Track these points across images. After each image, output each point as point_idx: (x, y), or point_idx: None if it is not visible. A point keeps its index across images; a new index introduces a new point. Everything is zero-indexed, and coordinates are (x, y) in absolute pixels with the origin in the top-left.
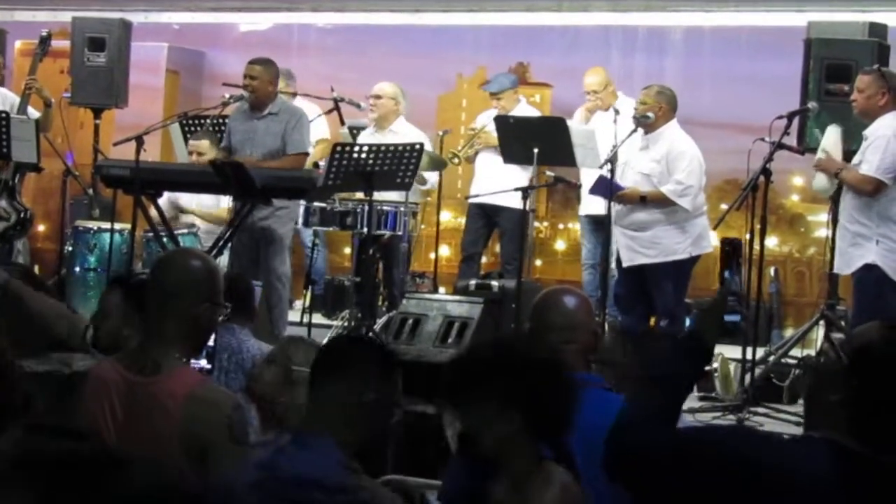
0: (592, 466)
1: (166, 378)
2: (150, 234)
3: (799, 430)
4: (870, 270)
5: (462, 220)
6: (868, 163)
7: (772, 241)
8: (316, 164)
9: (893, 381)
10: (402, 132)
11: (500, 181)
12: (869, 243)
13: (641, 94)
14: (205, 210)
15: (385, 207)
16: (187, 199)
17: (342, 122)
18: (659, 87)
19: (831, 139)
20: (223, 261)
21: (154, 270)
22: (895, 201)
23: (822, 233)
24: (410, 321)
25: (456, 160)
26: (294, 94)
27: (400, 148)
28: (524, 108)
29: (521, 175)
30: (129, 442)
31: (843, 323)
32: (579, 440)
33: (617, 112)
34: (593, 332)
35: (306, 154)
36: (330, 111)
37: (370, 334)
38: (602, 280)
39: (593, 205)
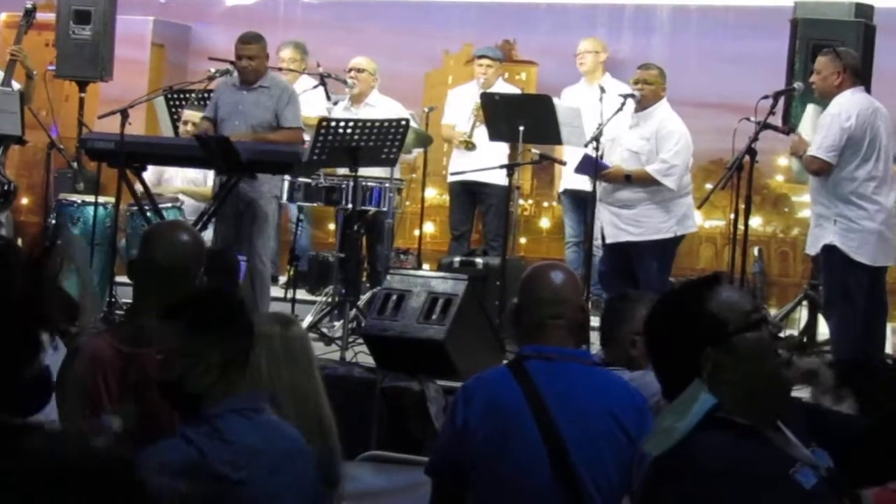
0: (584, 441)
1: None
2: (135, 208)
3: None
4: (830, 252)
5: (447, 197)
6: (813, 142)
7: (756, 222)
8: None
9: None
10: (379, 104)
11: (480, 157)
12: (828, 223)
13: (642, 74)
14: (190, 186)
15: (370, 183)
16: (172, 174)
17: (328, 98)
18: (657, 67)
19: (808, 118)
20: (208, 235)
21: (144, 245)
22: (847, 180)
23: (807, 213)
24: (394, 297)
25: (472, 146)
26: (303, 72)
27: (385, 124)
28: (503, 84)
29: (501, 150)
30: (125, 414)
31: None
32: (569, 416)
33: (603, 90)
34: (581, 308)
35: (302, 129)
36: (316, 87)
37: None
38: (586, 258)
39: (575, 179)
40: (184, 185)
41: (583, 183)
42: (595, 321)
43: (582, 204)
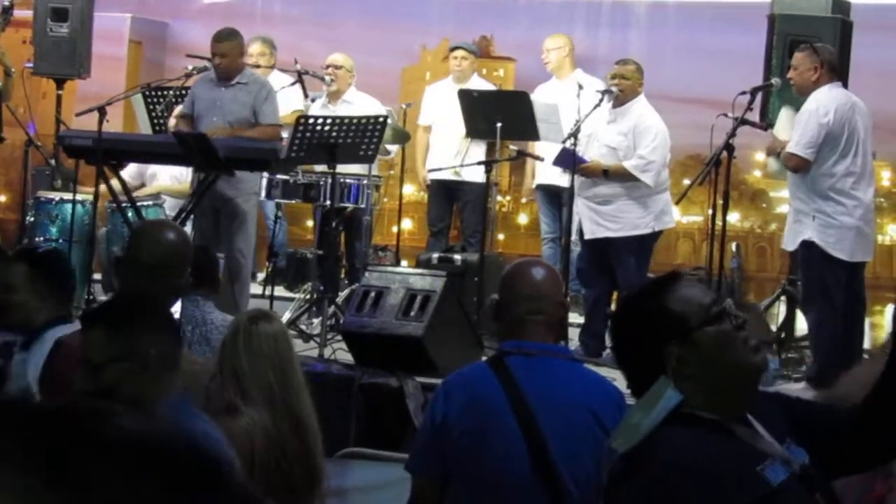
0: (563, 436)
1: None
2: (114, 205)
3: None
4: (809, 247)
5: (425, 194)
6: (791, 139)
7: (734, 217)
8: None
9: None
10: (356, 101)
11: (457, 155)
12: (807, 219)
13: (620, 69)
14: (174, 183)
15: (348, 180)
16: (157, 169)
17: (306, 95)
18: (634, 62)
19: (783, 121)
20: (187, 231)
21: (131, 243)
22: (826, 176)
23: (784, 209)
24: (372, 294)
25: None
26: (272, 67)
27: (363, 120)
28: (480, 80)
29: (477, 148)
30: None
31: None
32: (549, 411)
33: (580, 87)
34: (561, 304)
35: (280, 126)
36: (294, 83)
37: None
38: (564, 254)
39: (549, 174)
40: (169, 182)
41: (557, 178)
42: (573, 317)
43: (556, 199)
